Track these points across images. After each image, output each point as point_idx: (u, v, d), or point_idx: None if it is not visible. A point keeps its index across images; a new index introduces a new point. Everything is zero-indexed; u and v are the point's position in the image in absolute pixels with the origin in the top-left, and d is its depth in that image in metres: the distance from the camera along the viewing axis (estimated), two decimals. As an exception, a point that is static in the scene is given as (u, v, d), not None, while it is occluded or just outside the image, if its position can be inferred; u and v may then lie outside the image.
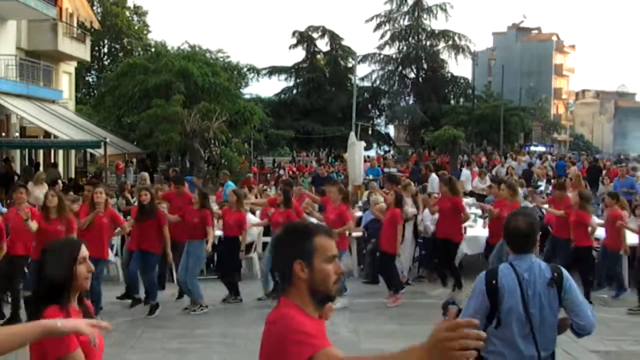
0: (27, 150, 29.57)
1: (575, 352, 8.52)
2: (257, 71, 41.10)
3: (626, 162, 33.86)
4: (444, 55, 60.65)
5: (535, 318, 4.53)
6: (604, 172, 28.51)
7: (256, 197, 19.23)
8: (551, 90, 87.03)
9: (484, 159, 36.01)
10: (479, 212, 18.53)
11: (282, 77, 60.19)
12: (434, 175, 21.84)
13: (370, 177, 24.14)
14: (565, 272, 4.63)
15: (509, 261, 4.70)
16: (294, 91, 59.71)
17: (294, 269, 2.94)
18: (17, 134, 28.35)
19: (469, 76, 59.81)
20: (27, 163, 28.90)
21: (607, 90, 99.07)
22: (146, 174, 19.94)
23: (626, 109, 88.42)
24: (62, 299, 3.51)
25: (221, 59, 37.66)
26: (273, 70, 59.12)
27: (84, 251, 3.67)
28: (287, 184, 14.62)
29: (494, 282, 4.57)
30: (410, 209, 13.85)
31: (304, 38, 59.91)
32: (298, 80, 60.03)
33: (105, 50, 54.54)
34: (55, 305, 3.49)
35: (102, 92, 36.76)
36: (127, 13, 53.54)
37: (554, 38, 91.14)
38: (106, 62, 54.16)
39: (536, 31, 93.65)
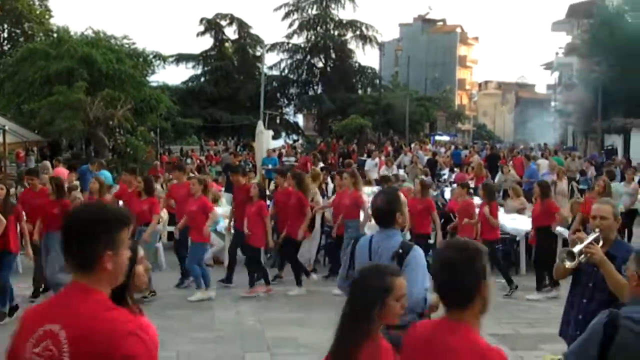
0: None
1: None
2: (163, 58, 40.33)
3: (525, 151, 34.98)
4: (352, 45, 61.39)
5: None
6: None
7: (162, 187, 19.05)
8: (455, 81, 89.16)
9: (390, 148, 36.59)
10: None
11: (190, 64, 59.66)
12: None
13: (270, 166, 23.77)
14: (415, 250, 4.99)
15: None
16: (202, 79, 59.23)
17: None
18: None
19: (377, 66, 60.68)
20: None
21: (508, 82, 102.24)
22: (48, 163, 19.43)
23: (526, 99, 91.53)
24: (123, 301, 3.35)
25: (126, 46, 36.70)
26: (180, 58, 58.42)
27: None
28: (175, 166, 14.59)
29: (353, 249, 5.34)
30: (320, 198, 14.03)
31: (211, 25, 59.43)
32: (206, 68, 59.57)
33: (5, 35, 52.47)
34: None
35: (1, 78, 35.35)
36: (28, -3, 51.63)
37: (458, 30, 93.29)
38: (6, 48, 52.10)
39: (441, 23, 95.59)
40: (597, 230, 5.30)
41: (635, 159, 30.36)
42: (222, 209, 15.03)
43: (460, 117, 79.31)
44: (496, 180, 22.87)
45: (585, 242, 5.12)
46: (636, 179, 20.17)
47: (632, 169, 21.06)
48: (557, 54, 64.95)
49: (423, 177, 16.69)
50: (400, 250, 4.95)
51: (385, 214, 5.17)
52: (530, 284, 12.08)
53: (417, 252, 4.98)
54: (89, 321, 2.53)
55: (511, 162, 27.15)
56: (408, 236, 11.89)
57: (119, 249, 2.65)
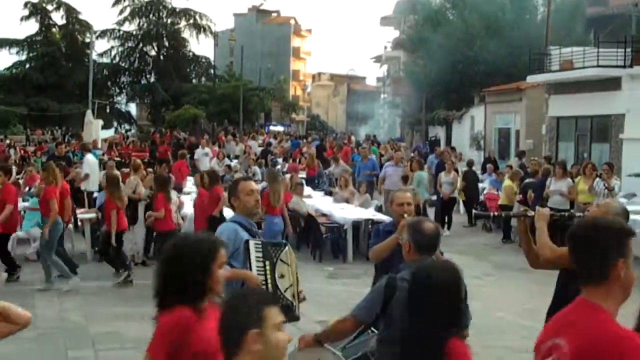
0: None
1: (300, 324, 9.12)
2: (-17, 43, 38.40)
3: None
4: (186, 34, 60.87)
5: None
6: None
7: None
8: (290, 72, 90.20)
9: (224, 138, 36.58)
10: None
11: (14, 50, 56.72)
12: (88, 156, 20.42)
13: None
14: (222, 226, 5.59)
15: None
16: (27, 66, 56.49)
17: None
18: None
19: (211, 56, 60.35)
20: None
21: (340, 74, 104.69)
22: None
23: (358, 91, 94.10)
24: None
25: (-59, 28, 34.47)
26: (2, 43, 55.51)
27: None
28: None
29: None
30: (143, 189, 13.93)
31: (37, 10, 56.84)
32: (31, 54, 56.95)
33: None
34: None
35: None
36: None
37: (292, 22, 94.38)
38: None
39: (275, 14, 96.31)
40: (405, 215, 5.78)
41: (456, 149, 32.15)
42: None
43: (295, 107, 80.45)
44: (329, 170, 23.53)
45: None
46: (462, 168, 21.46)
47: (450, 161, 22.33)
48: (385, 48, 67.41)
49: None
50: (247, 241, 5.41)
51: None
52: (357, 272, 12.59)
53: (221, 227, 5.54)
54: (594, 336, 2.69)
55: (340, 153, 27.86)
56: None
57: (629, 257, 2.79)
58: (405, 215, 5.79)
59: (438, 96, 42.52)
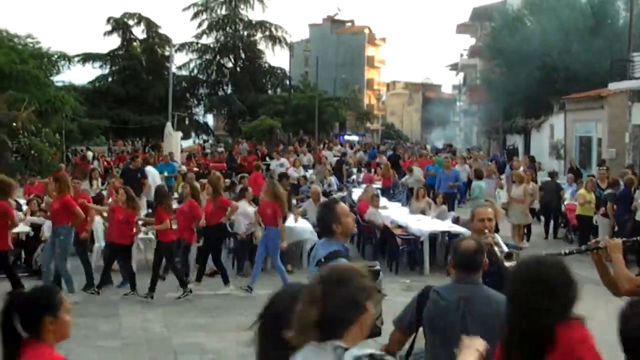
0: None
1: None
2: (68, 58, 39.52)
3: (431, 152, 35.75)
4: (262, 46, 61.52)
5: None
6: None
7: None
8: (364, 81, 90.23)
9: (300, 148, 36.83)
10: (293, 202, 19.15)
11: (97, 64, 58.37)
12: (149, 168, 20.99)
13: (166, 174, 22.38)
14: (337, 261, 5.09)
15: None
16: (110, 79, 58.08)
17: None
18: None
19: (286, 67, 60.91)
20: None
21: (415, 82, 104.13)
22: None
23: (433, 99, 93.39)
24: None
25: (30, 45, 35.75)
26: (87, 57, 57.14)
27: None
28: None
29: None
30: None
31: (119, 25, 58.38)
32: (114, 68, 58.45)
33: None
34: None
35: None
36: None
37: (366, 31, 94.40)
38: None
39: (350, 24, 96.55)
40: (486, 231, 5.73)
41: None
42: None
43: (369, 116, 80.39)
44: (403, 180, 23.40)
45: (502, 242, 5.64)
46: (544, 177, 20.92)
47: (530, 170, 21.87)
48: (461, 55, 66.63)
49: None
50: (323, 260, 5.14)
51: (321, 224, 5.58)
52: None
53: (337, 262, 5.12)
54: None
55: (416, 162, 27.64)
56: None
57: None
58: (486, 232, 5.74)
59: (516, 104, 41.80)
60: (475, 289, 4.44)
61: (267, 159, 31.22)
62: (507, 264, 5.30)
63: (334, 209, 5.48)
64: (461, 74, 70.31)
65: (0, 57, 30.27)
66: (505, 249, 5.54)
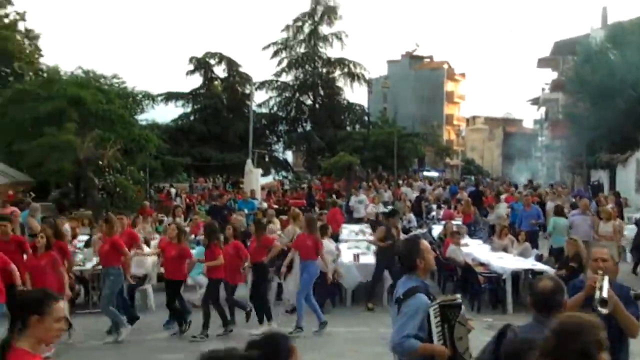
0: None
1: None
2: (152, 98, 40.81)
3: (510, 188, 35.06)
4: (340, 83, 61.97)
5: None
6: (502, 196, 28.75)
7: (152, 226, 19.17)
8: (443, 116, 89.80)
9: (378, 185, 36.74)
10: (372, 238, 19.09)
11: (180, 103, 59.86)
12: None
13: (246, 211, 22.24)
14: (412, 298, 5.16)
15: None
16: (192, 117, 59.46)
17: None
18: None
19: (365, 103, 61.17)
20: None
21: (496, 117, 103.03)
22: (37, 205, 19.42)
23: (514, 134, 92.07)
24: None
25: (116, 85, 36.98)
26: (169, 96, 58.68)
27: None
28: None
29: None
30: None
31: (201, 64, 59.86)
32: (195, 107, 59.83)
33: (-5, 74, 52.59)
34: None
35: (-9, 119, 35.42)
36: (18, 37, 51.90)
37: (445, 66, 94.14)
38: (-5, 87, 52.25)
39: (428, 59, 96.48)
40: (600, 272, 5.53)
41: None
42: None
43: (449, 152, 79.76)
44: (488, 217, 23.02)
45: (606, 287, 5.32)
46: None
47: (616, 206, 21.19)
48: (543, 89, 65.60)
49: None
50: (401, 297, 5.18)
51: (404, 260, 5.50)
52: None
53: (415, 299, 5.16)
54: None
55: (503, 197, 27.13)
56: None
57: None
58: (600, 272, 5.54)
59: (600, 139, 40.70)
60: None
61: (334, 195, 31.16)
62: (600, 309, 5.09)
63: (418, 244, 5.52)
64: (543, 109, 69.17)
65: (88, 97, 31.37)
66: (606, 295, 5.27)
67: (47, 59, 66.68)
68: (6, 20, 51.21)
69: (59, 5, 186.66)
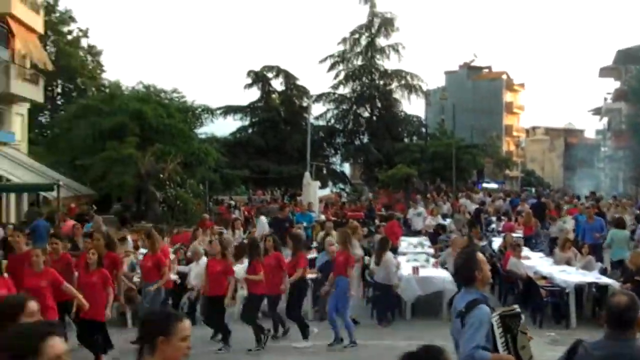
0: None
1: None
2: (211, 111, 41.44)
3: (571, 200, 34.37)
4: (397, 95, 61.75)
5: (456, 346, 5.19)
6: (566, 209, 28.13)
7: (211, 239, 19.31)
8: (502, 127, 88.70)
9: (437, 197, 36.40)
10: (431, 251, 18.91)
11: (238, 116, 60.43)
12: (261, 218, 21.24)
13: (304, 224, 22.30)
14: (476, 309, 5.08)
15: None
16: (250, 130, 59.97)
17: None
18: (-31, 178, 27.95)
19: (422, 114, 60.85)
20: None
21: (556, 127, 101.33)
22: (100, 218, 19.81)
23: (575, 145, 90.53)
24: None
25: (176, 99, 37.70)
26: (228, 110, 59.31)
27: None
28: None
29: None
30: (357, 251, 14.24)
31: (258, 77, 60.37)
32: (253, 120, 60.32)
33: (59, 90, 54.04)
34: None
35: (56, 134, 36.46)
36: (81, 53, 53.27)
37: (504, 76, 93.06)
38: (59, 102, 53.66)
39: (487, 70, 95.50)
40: None
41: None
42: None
43: (508, 163, 78.67)
44: (550, 230, 22.59)
45: None
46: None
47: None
48: (605, 99, 64.36)
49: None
50: (463, 310, 5.14)
51: (462, 272, 5.48)
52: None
53: (478, 310, 5.12)
54: None
55: (565, 208, 26.65)
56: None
57: None
58: None
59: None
60: (625, 347, 4.24)
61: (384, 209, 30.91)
62: None
63: (475, 256, 5.50)
64: (605, 119, 67.84)
65: (149, 111, 32.02)
66: None
67: (109, 75, 68.33)
68: (70, 37, 52.62)
69: (120, 21, 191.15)
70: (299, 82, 61.31)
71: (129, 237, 17.14)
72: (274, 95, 61.74)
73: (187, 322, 3.76)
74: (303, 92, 60.35)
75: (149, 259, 11.72)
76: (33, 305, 4.36)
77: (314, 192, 30.79)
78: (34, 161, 30.31)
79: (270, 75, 61.02)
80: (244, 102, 60.88)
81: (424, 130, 59.14)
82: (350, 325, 11.69)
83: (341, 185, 62.31)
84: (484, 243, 20.69)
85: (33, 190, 27.38)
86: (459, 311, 5.21)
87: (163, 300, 12.18)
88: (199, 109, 39.74)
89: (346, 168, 67.17)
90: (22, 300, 4.46)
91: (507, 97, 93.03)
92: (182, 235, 19.67)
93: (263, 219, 20.52)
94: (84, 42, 53.89)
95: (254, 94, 61.06)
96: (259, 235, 18.06)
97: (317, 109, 61.23)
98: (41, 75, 35.40)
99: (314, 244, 19.00)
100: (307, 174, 32.62)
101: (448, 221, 25.70)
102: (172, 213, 29.60)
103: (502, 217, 29.05)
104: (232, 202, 37.86)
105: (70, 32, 52.85)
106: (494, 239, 22.36)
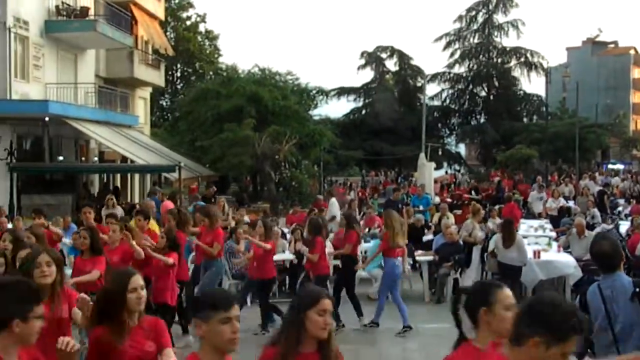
0: (105, 174, 30.38)
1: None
2: (325, 93, 41.56)
3: None
4: (516, 73, 60.11)
5: (620, 333, 4.99)
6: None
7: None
8: (630, 105, 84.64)
9: (556, 179, 35.15)
10: (553, 234, 18.17)
11: (351, 97, 60.47)
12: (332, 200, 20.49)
13: (421, 207, 21.71)
14: None
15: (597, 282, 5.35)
16: (363, 111, 59.87)
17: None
18: (96, 159, 29.19)
19: (542, 93, 58.79)
20: (104, 187, 29.69)
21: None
22: (223, 199, 20.16)
23: None
24: None
25: (290, 82, 38.02)
26: (342, 91, 59.45)
27: None
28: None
29: (583, 300, 5.32)
30: (479, 232, 13.87)
31: (372, 58, 60.13)
32: (367, 101, 60.18)
33: (178, 74, 55.72)
34: None
35: (176, 117, 37.57)
36: (199, 38, 54.64)
37: (632, 52, 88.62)
38: (179, 86, 55.34)
39: (612, 45, 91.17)
40: None
41: None
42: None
43: (636, 143, 75.09)
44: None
45: None
46: None
47: None
48: None
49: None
50: (638, 289, 5.03)
51: (611, 258, 5.24)
52: None
53: None
54: None
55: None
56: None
57: None
58: None
59: None
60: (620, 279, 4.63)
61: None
62: None
63: (618, 243, 5.51)
64: None
65: (265, 94, 32.45)
66: None
67: (226, 58, 69.72)
68: (188, 23, 54.08)
69: (236, 5, 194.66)
70: (413, 62, 60.76)
71: (247, 217, 17.36)
72: (387, 76, 61.38)
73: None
74: (417, 72, 59.70)
75: (208, 235, 11.66)
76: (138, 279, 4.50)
77: (429, 173, 30.26)
78: (156, 143, 31.30)
79: (384, 55, 60.68)
80: (358, 84, 60.88)
81: (544, 109, 57.11)
82: (380, 307, 11.46)
83: (456, 167, 61.35)
84: (609, 227, 19.72)
85: (156, 170, 28.28)
86: (633, 292, 5.02)
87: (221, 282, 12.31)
88: (313, 91, 39.91)
89: (461, 149, 66.06)
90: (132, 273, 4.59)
91: (636, 73, 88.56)
92: (298, 215, 19.77)
93: (334, 200, 20.21)
94: (201, 27, 55.32)
95: (368, 74, 60.95)
96: (329, 217, 17.96)
97: (431, 89, 60.46)
98: (162, 60, 36.53)
99: (431, 226, 18.68)
100: (422, 155, 32.10)
101: (571, 203, 24.70)
102: (287, 193, 29.92)
103: (631, 200, 27.66)
104: (348, 183, 37.93)
105: (188, 18, 54.34)
106: (621, 222, 21.26)
